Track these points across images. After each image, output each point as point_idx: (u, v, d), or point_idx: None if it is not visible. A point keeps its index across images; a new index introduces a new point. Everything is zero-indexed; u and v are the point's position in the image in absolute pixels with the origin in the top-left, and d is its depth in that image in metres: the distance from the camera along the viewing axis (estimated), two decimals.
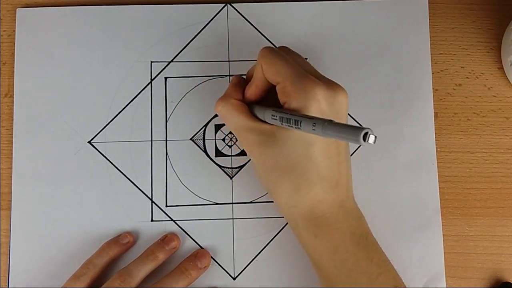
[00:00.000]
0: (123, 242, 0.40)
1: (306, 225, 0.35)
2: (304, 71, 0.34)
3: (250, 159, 0.42)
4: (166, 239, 0.40)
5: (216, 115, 0.43)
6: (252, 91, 0.37)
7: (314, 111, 0.33)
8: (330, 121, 0.28)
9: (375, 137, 0.26)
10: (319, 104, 0.33)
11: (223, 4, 0.44)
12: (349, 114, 0.43)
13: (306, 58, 0.43)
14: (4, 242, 0.41)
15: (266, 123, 0.35)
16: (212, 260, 0.41)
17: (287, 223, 0.42)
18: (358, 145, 0.42)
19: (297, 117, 0.31)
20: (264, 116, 0.35)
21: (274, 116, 0.34)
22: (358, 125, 0.43)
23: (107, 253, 0.40)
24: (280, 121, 0.33)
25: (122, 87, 0.43)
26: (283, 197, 0.35)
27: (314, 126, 0.29)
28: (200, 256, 0.40)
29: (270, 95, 0.37)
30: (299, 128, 0.31)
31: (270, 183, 0.35)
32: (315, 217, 0.34)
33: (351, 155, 0.42)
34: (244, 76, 0.40)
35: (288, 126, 0.32)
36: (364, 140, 0.27)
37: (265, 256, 0.41)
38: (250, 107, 0.37)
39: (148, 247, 0.40)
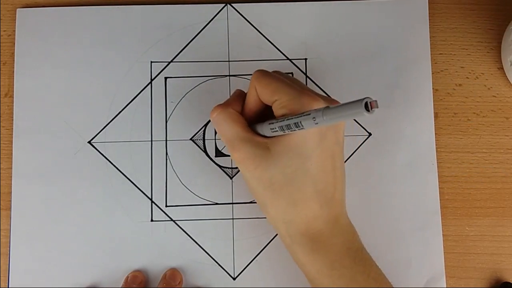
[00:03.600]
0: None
1: (303, 241, 0.35)
2: (300, 88, 0.34)
3: None
4: (129, 279, 0.40)
5: None
6: (246, 114, 0.37)
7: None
8: (327, 107, 0.28)
9: (376, 101, 0.26)
10: None
11: (223, 4, 0.44)
12: None
13: (306, 59, 0.43)
14: (4, 242, 0.41)
15: (260, 136, 0.35)
16: (212, 260, 0.41)
17: None
18: (358, 146, 0.42)
19: (295, 119, 0.31)
20: (262, 131, 0.35)
21: (272, 127, 0.33)
22: (360, 126, 0.43)
23: None
24: (280, 130, 0.32)
25: (122, 87, 0.43)
26: (279, 212, 0.35)
27: (315, 119, 0.29)
28: (170, 275, 0.40)
29: (263, 118, 0.36)
30: (302, 128, 0.30)
31: (265, 198, 0.35)
32: (312, 233, 0.34)
33: (351, 155, 0.42)
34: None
35: (290, 131, 0.32)
36: (368, 109, 0.26)
37: (265, 256, 0.41)
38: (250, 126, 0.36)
39: None
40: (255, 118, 0.37)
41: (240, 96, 0.37)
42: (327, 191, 0.34)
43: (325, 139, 0.33)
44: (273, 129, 0.33)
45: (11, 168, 0.42)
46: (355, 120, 0.43)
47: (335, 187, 0.35)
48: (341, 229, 0.35)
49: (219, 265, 0.41)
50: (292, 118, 0.31)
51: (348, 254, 0.34)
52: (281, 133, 0.33)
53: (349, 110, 0.27)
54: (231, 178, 0.42)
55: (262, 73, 0.35)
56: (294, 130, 0.31)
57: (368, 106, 0.26)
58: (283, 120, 0.32)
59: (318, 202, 0.34)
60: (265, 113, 0.36)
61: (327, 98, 0.35)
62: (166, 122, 0.43)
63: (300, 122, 0.30)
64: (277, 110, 0.34)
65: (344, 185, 0.36)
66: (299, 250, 0.35)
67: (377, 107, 0.26)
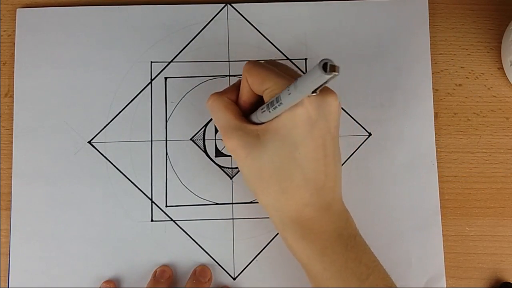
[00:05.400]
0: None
1: (293, 228, 0.35)
2: (289, 76, 0.34)
3: None
4: (157, 274, 0.40)
5: None
6: (241, 105, 0.37)
7: (300, 114, 0.33)
8: (297, 78, 0.30)
9: (338, 66, 0.26)
10: (305, 108, 0.33)
11: (223, 4, 0.44)
12: (349, 114, 0.43)
13: (306, 59, 0.43)
14: (4, 242, 0.41)
15: (252, 124, 0.35)
16: (212, 260, 0.41)
17: None
18: (358, 146, 0.42)
19: (276, 96, 0.32)
20: (257, 118, 0.35)
21: (262, 108, 0.34)
22: (360, 126, 0.43)
23: None
24: (267, 109, 0.33)
25: (122, 87, 0.43)
26: (269, 200, 0.35)
27: (289, 90, 0.30)
28: (200, 272, 0.40)
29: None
30: (281, 103, 0.31)
31: (256, 186, 0.35)
32: (302, 220, 0.34)
33: (351, 155, 0.42)
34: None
35: (273, 109, 0.32)
36: (326, 70, 0.26)
37: (265, 256, 0.41)
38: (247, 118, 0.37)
39: None
40: (250, 110, 0.37)
41: (237, 86, 0.38)
42: (317, 179, 0.34)
43: (315, 127, 0.33)
44: (262, 109, 0.34)
45: (11, 168, 0.42)
46: (355, 120, 0.43)
47: (326, 175, 0.35)
48: (333, 216, 0.35)
49: (219, 265, 0.41)
50: (274, 97, 0.32)
51: (339, 240, 0.34)
52: (268, 114, 0.33)
53: (311, 75, 0.27)
54: (231, 178, 0.42)
55: (253, 64, 0.36)
56: (277, 107, 0.32)
57: (327, 67, 0.26)
58: (270, 100, 0.33)
59: (308, 190, 0.34)
60: (260, 105, 0.36)
61: None
62: (166, 122, 0.43)
63: (279, 96, 0.31)
64: (267, 99, 0.34)
65: (338, 173, 0.36)
66: (290, 236, 0.35)
67: (338, 73, 0.26)
